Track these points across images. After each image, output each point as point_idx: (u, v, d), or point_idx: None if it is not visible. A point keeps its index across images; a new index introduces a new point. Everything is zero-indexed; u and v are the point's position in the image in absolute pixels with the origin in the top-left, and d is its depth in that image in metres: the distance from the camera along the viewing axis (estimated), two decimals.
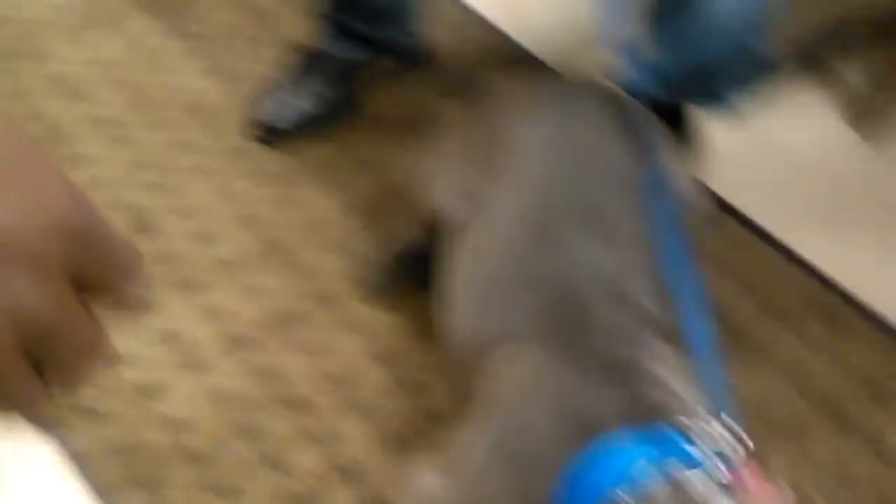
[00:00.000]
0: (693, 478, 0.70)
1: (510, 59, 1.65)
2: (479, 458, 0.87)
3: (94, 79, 1.59)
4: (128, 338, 1.27)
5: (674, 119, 1.41)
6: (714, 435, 0.75)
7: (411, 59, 1.60)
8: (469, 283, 1.04)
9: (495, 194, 1.06)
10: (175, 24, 1.68)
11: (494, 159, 1.10)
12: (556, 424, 0.83)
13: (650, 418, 0.79)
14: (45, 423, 1.19)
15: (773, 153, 1.55)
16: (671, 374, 0.86)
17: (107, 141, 1.50)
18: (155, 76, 1.60)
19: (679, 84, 1.37)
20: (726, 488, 0.70)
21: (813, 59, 1.65)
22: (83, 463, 1.16)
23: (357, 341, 1.29)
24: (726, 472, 0.71)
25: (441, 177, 1.19)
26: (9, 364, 0.33)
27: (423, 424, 1.21)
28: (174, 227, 1.40)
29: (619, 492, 0.72)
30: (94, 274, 0.36)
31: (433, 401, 1.23)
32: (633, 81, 1.38)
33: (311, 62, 1.54)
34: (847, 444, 1.22)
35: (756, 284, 1.37)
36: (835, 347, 1.31)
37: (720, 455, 0.72)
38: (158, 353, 1.26)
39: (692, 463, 0.72)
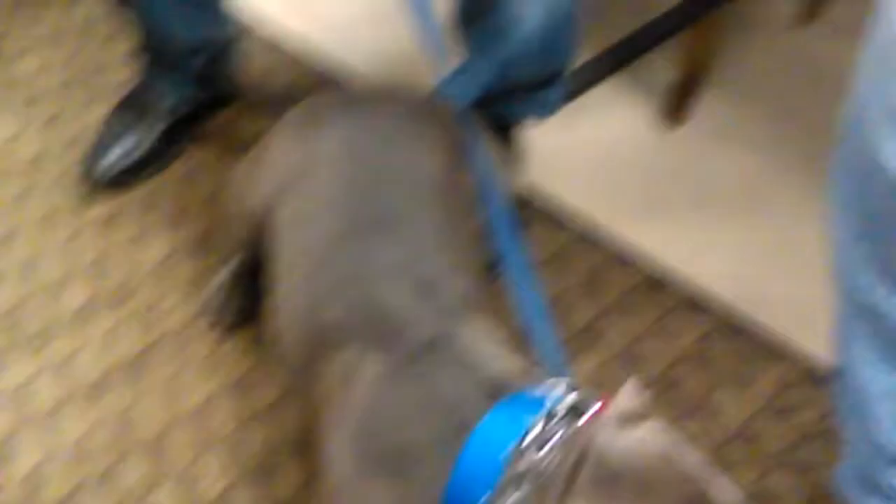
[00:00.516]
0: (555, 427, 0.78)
1: (324, 82, 1.69)
2: (349, 475, 0.91)
3: None
4: None
5: (497, 122, 1.47)
6: (562, 392, 0.82)
7: (229, 94, 1.62)
8: (286, 294, 1.09)
9: (299, 205, 1.11)
10: None
11: (302, 169, 1.14)
12: (419, 426, 0.87)
13: (501, 391, 0.85)
14: None
15: (590, 149, 1.62)
16: (499, 345, 0.92)
17: None
18: None
19: (493, 86, 1.43)
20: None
21: (623, 57, 1.73)
22: None
23: (209, 377, 1.32)
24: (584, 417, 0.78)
25: (259, 180, 1.22)
26: None
27: (284, 452, 1.25)
28: (16, 279, 1.41)
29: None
30: None
31: (289, 427, 1.27)
32: (449, 86, 1.43)
33: (140, 104, 1.55)
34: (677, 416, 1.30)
35: (585, 276, 1.44)
36: (664, 328, 1.39)
37: (574, 409, 0.80)
38: (6, 417, 1.27)
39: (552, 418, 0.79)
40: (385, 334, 0.93)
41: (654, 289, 1.42)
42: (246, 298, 1.36)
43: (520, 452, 0.79)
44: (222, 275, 1.37)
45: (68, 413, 1.28)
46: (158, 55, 1.52)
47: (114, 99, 1.59)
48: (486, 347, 0.92)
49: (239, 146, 1.57)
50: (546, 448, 0.78)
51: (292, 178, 1.17)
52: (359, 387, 0.93)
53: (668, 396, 1.31)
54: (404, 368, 0.91)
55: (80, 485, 1.22)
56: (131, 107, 1.56)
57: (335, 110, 1.21)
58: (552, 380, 0.85)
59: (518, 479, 0.78)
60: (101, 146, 1.53)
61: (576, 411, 0.81)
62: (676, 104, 1.66)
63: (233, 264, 1.36)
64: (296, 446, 1.25)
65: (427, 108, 1.24)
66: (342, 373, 0.95)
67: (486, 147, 1.23)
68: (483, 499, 0.80)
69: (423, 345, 0.91)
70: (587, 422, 0.79)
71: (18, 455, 1.24)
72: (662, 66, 1.71)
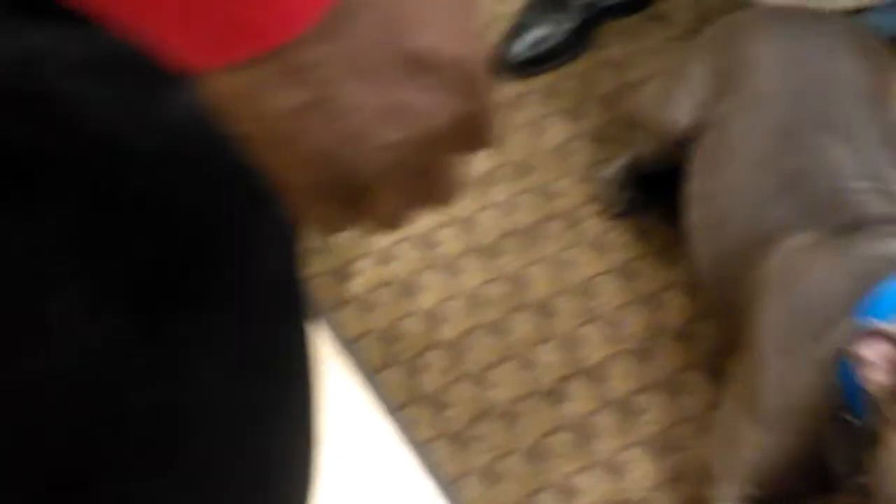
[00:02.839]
0: None
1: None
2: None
3: None
4: (387, 239, 1.41)
5: None
6: None
7: (645, 1, 1.68)
8: (709, 195, 1.14)
9: (731, 109, 1.16)
10: None
11: (731, 76, 1.19)
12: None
13: None
14: (319, 310, 1.35)
15: None
16: None
17: None
18: None
19: None
20: None
21: None
22: (351, 346, 1.32)
23: (597, 257, 1.39)
24: None
25: (677, 91, 1.28)
26: (409, 179, 0.39)
27: (659, 338, 1.31)
28: None
29: None
30: (469, 121, 0.39)
31: (669, 315, 1.32)
32: (877, 16, 1.43)
33: (550, 2, 1.64)
34: None
35: None
36: None
37: None
38: (415, 256, 1.40)
39: None
40: (844, 225, 0.97)
41: None
42: (637, 191, 1.42)
43: None
44: (617, 165, 1.44)
45: (468, 264, 1.39)
46: None
47: None
48: None
49: (641, 53, 1.63)
50: None
51: (720, 82, 1.21)
52: (801, 265, 0.97)
53: None
54: (845, 240, 0.95)
55: (472, 328, 1.33)
56: (551, 3, 1.64)
57: (762, 23, 1.24)
58: None
59: None
60: (514, 33, 1.62)
61: None
62: None
63: (627, 158, 1.43)
64: (673, 337, 1.31)
65: (853, 28, 1.26)
66: (785, 260, 1.00)
67: None
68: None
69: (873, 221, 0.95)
70: None
71: (423, 291, 1.37)
72: None
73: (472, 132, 0.39)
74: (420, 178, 0.39)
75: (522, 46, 1.61)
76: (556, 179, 1.49)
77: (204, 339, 0.50)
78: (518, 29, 1.63)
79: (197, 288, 0.49)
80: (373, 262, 1.40)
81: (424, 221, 1.44)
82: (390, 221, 0.41)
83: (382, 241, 1.41)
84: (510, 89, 1.60)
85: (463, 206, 1.45)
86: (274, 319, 0.54)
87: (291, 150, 0.36)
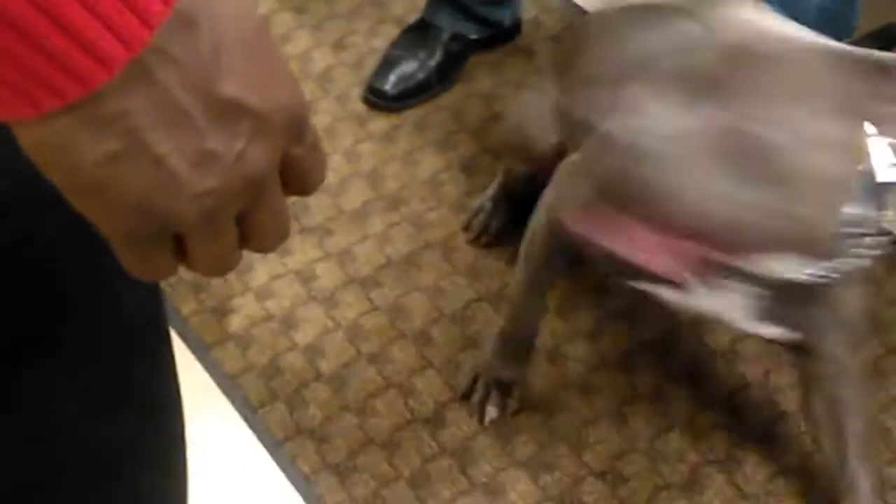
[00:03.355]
0: None
1: None
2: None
3: None
4: (266, 275, 1.43)
5: None
6: None
7: (510, 34, 1.74)
8: None
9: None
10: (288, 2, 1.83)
11: (587, 67, 1.18)
12: None
13: None
14: (199, 346, 1.35)
15: None
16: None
17: None
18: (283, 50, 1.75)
19: None
20: None
21: None
22: (231, 383, 1.32)
23: (471, 283, 1.44)
24: None
25: (534, 106, 1.31)
26: (230, 226, 0.39)
27: (534, 360, 1.35)
28: None
29: None
30: (294, 165, 0.40)
31: (541, 339, 1.37)
32: None
33: (422, 35, 1.69)
34: None
35: None
36: None
37: None
38: (294, 291, 1.42)
39: None
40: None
41: None
42: (507, 218, 1.47)
43: None
44: (487, 194, 1.49)
45: (346, 296, 1.42)
46: None
47: (396, 29, 1.73)
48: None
49: (507, 84, 1.69)
50: None
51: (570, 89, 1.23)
52: None
53: None
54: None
55: (352, 360, 1.35)
56: (414, 36, 1.69)
57: (596, 25, 1.24)
58: None
59: None
60: (384, 68, 1.66)
61: None
62: None
63: (496, 187, 1.48)
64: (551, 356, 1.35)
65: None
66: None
67: None
68: None
69: None
70: None
71: (303, 325, 1.38)
72: None
73: (297, 175, 0.40)
74: (244, 222, 0.40)
75: (392, 81, 1.65)
76: (430, 210, 1.52)
77: (56, 388, 0.50)
78: (387, 64, 1.67)
79: (49, 336, 0.50)
80: (252, 298, 1.41)
81: (302, 256, 1.46)
82: (217, 267, 0.40)
83: (261, 276, 1.43)
84: (382, 123, 1.64)
85: (339, 239, 1.48)
86: (130, 359, 0.55)
87: (104, 199, 0.36)
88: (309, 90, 1.68)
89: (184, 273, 1.41)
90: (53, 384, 0.51)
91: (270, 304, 1.41)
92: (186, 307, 1.39)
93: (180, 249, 0.39)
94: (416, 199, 1.54)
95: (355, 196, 1.54)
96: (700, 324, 1.40)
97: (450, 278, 1.45)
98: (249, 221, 0.40)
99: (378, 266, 1.46)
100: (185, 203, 0.36)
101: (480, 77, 1.71)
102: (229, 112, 0.36)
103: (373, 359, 1.36)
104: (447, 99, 1.68)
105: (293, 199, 1.52)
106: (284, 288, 1.42)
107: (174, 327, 1.37)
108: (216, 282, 1.41)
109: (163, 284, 1.40)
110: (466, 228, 1.50)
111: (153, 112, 0.34)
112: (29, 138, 0.35)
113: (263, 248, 0.41)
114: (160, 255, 0.39)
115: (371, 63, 1.70)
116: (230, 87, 0.35)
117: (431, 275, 1.45)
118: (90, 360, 0.53)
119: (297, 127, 0.39)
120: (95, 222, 0.37)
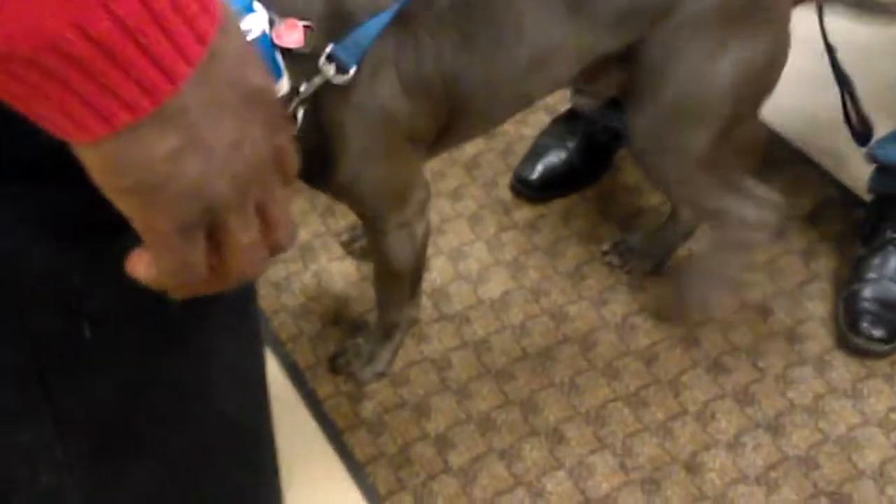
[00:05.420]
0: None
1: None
2: None
3: None
4: (402, 361, 1.43)
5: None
6: None
7: None
8: None
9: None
10: None
11: None
12: None
13: None
14: (332, 431, 1.36)
15: None
16: None
17: None
18: None
19: None
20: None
21: None
22: (361, 471, 1.33)
23: (606, 382, 1.40)
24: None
25: None
26: (254, 216, 0.44)
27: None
28: (444, 267, 1.56)
29: None
30: (280, 153, 0.44)
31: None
32: (881, 148, 1.45)
33: (571, 125, 1.68)
34: None
35: None
36: None
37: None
38: (428, 377, 1.42)
39: None
40: None
41: None
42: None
43: None
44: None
45: (480, 387, 1.41)
46: None
47: (547, 117, 1.73)
48: None
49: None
50: None
51: None
52: None
53: None
54: None
55: (482, 454, 1.34)
56: (562, 126, 1.68)
57: None
58: None
59: None
60: (532, 156, 1.66)
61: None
62: None
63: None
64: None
65: None
66: None
67: None
68: None
69: None
70: None
71: (435, 415, 1.38)
72: None
73: (280, 163, 0.44)
74: (262, 217, 0.44)
75: (539, 170, 1.65)
76: (570, 303, 1.50)
77: (154, 491, 0.52)
78: (535, 153, 1.67)
79: (151, 440, 0.52)
80: (387, 383, 1.42)
81: (438, 344, 1.46)
82: (250, 260, 0.44)
83: (398, 362, 1.43)
84: (527, 212, 1.64)
85: (477, 328, 1.47)
86: (230, 466, 0.57)
87: (164, 191, 0.39)
88: (457, 176, 1.69)
89: (322, 354, 1.44)
90: (151, 487, 0.53)
91: (405, 392, 1.41)
92: (323, 390, 1.41)
93: (214, 247, 0.43)
94: (556, 291, 1.52)
95: (496, 285, 1.53)
96: None
97: (586, 375, 1.42)
98: (266, 215, 0.44)
99: (514, 358, 1.44)
100: (226, 183, 0.41)
101: (627, 169, 1.69)
102: (256, 99, 0.41)
103: (503, 454, 1.34)
104: (593, 191, 1.67)
105: (434, 288, 1.53)
106: (420, 375, 1.42)
107: (310, 409, 1.39)
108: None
109: (303, 367, 1.43)
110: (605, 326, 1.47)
111: (207, 105, 0.39)
112: (96, 155, 0.38)
113: (280, 243, 0.46)
114: (193, 252, 0.42)
115: (520, 151, 1.71)
116: (256, 77, 0.41)
117: (568, 370, 1.42)
118: (190, 466, 0.55)
119: (279, 116, 0.44)
120: (147, 220, 0.41)
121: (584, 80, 1.24)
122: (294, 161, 0.45)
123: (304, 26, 1.02)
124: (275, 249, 0.46)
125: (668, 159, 1.22)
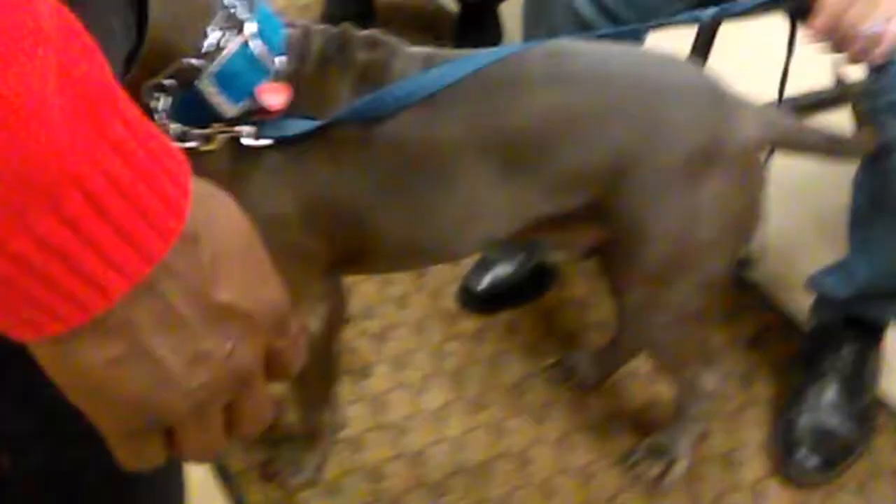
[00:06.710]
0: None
1: None
2: None
3: None
4: (338, 467, 1.41)
5: (866, 323, 1.47)
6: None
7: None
8: None
9: None
10: None
11: None
12: None
13: None
14: None
15: None
16: None
17: None
18: None
19: (869, 287, 1.44)
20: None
21: None
22: None
23: (542, 499, 1.38)
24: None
25: None
26: (218, 416, 0.41)
27: None
28: (385, 374, 1.55)
29: None
30: (277, 355, 0.43)
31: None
32: (823, 280, 1.47)
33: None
34: None
35: None
36: None
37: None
38: (360, 487, 1.39)
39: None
40: None
41: None
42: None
43: None
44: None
45: (412, 500, 1.38)
46: None
47: None
48: None
49: (602, 292, 1.67)
50: None
51: None
52: None
53: None
54: None
55: None
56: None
57: None
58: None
59: None
60: (480, 268, 1.67)
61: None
62: None
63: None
64: None
65: None
66: None
67: None
68: None
69: None
70: None
71: None
72: None
73: (279, 364, 0.43)
74: (230, 411, 0.42)
75: (487, 281, 1.65)
76: (509, 418, 1.49)
77: None
78: (484, 264, 1.68)
79: None
80: (320, 491, 1.39)
81: (373, 454, 1.44)
82: (205, 454, 0.42)
83: (332, 467, 1.41)
84: (472, 322, 1.64)
85: (414, 438, 1.46)
86: None
87: (104, 397, 0.38)
88: (404, 283, 1.70)
89: (254, 461, 1.41)
90: None
91: (337, 502, 1.38)
92: (253, 497, 1.38)
93: (170, 439, 0.41)
94: (496, 405, 1.51)
95: (436, 396, 1.52)
96: None
97: (522, 491, 1.40)
98: (236, 410, 0.42)
99: (450, 472, 1.42)
100: (178, 398, 0.39)
101: (575, 283, 1.71)
102: (223, 315, 0.39)
103: None
104: (539, 303, 1.67)
105: (373, 395, 1.52)
106: (353, 484, 1.40)
107: None
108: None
109: (234, 471, 1.40)
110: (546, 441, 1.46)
111: (154, 319, 0.37)
112: (36, 348, 0.37)
113: (247, 434, 0.43)
114: (151, 447, 0.41)
115: (468, 261, 1.72)
116: (225, 293, 0.39)
117: (504, 486, 1.41)
118: None
119: (281, 322, 0.42)
120: (93, 418, 0.39)
121: (551, 235, 1.19)
122: (297, 361, 0.44)
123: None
124: (241, 437, 0.44)
125: (659, 318, 1.20)
